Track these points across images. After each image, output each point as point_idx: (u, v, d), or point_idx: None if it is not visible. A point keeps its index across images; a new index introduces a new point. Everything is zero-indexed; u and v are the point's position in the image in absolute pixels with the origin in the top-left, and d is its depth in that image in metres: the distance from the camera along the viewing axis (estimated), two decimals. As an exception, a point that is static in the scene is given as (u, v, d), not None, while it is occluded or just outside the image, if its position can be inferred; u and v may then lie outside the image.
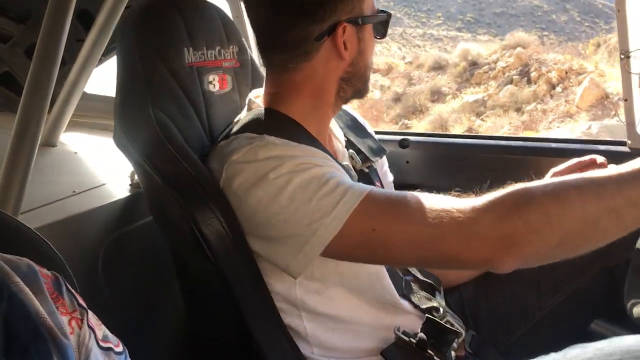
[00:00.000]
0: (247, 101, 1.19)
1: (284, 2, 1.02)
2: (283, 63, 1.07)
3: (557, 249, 0.84)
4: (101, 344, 0.63)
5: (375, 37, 1.11)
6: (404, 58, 19.33)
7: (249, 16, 1.12)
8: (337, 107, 1.15)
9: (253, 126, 1.06)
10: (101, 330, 0.65)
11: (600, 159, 1.14)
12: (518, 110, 12.47)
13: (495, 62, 14.61)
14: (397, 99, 14.97)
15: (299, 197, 0.92)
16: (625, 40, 1.42)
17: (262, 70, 1.44)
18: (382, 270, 1.15)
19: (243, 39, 1.38)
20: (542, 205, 0.82)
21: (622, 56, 1.43)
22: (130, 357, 0.69)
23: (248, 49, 1.40)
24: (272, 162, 0.95)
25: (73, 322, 0.60)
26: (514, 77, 13.59)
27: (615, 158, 1.06)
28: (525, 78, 13.34)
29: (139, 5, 1.21)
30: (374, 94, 14.58)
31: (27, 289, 0.56)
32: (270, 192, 0.93)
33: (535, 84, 13.02)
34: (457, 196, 0.93)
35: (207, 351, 1.25)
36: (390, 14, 1.11)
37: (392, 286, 1.16)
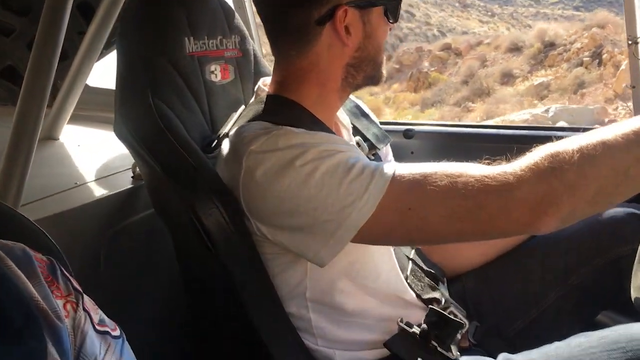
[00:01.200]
0: (255, 89, 1.18)
1: None
2: (287, 50, 1.05)
3: (594, 202, 0.86)
4: (97, 327, 0.63)
5: (388, 21, 1.07)
6: (481, 40, 18.94)
7: (255, 4, 1.10)
8: (346, 94, 1.12)
9: (264, 114, 1.04)
10: (97, 314, 0.64)
11: None
12: (575, 93, 12.18)
13: (572, 43, 14.15)
14: (466, 81, 14.77)
15: (329, 183, 0.91)
16: (634, 26, 1.40)
17: (265, 60, 1.44)
18: (390, 260, 1.15)
19: (245, 29, 1.37)
20: (574, 162, 0.82)
21: (630, 42, 1.41)
22: (132, 347, 0.68)
23: (250, 39, 1.38)
24: (296, 150, 0.93)
25: (68, 306, 0.60)
26: (584, 59, 13.16)
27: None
28: (597, 60, 12.84)
29: (139, -5, 1.20)
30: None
31: (20, 273, 0.56)
32: (298, 180, 0.91)
33: (604, 66, 12.66)
34: (487, 164, 0.91)
35: (210, 342, 1.24)
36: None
37: (400, 276, 1.16)
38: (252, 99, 1.16)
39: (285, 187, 0.92)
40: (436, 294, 1.21)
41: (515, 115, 11.19)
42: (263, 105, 1.08)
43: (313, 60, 1.04)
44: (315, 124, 1.04)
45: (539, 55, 14.74)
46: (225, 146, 1.06)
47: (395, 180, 0.90)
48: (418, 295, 1.18)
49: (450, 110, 12.58)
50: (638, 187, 0.86)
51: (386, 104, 13.90)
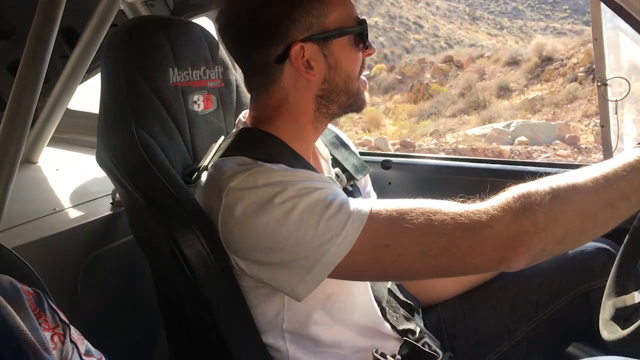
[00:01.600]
0: (237, 120, 1.19)
1: (236, 31, 1.04)
2: (256, 87, 1.08)
3: (562, 243, 0.89)
4: (84, 358, 0.63)
5: (360, 48, 1.07)
6: (482, 53, 19.14)
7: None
8: (322, 125, 1.13)
9: (244, 148, 1.05)
10: (84, 344, 0.65)
11: None
12: (561, 108, 12.30)
13: (569, 58, 14.29)
14: (463, 93, 14.92)
15: (307, 221, 0.92)
16: (603, 69, 1.46)
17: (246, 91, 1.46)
18: (367, 292, 1.17)
19: (228, 60, 1.39)
20: (545, 204, 0.86)
21: (600, 83, 1.46)
22: None
23: (233, 70, 1.40)
24: (275, 188, 0.94)
25: (55, 338, 0.61)
26: (579, 74, 13.26)
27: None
28: (591, 75, 12.82)
29: (125, 25, 1.21)
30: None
31: (8, 306, 0.56)
32: (277, 217, 0.92)
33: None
34: (462, 202, 0.93)
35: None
36: (365, 24, 1.06)
37: (375, 308, 1.18)
38: (233, 130, 1.17)
39: (264, 225, 0.93)
40: (411, 325, 1.22)
41: (479, 129, 11.30)
42: (242, 138, 1.09)
43: (281, 96, 1.06)
44: (295, 159, 1.06)
45: (536, 70, 14.97)
46: (205, 179, 1.07)
47: (372, 217, 0.92)
48: (393, 327, 1.19)
49: (445, 122, 12.67)
50: (606, 229, 0.90)
51: (386, 115, 13.91)
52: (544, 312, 1.30)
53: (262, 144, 1.06)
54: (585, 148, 9.93)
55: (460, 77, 16.32)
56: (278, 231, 0.92)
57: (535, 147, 9.93)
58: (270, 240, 0.94)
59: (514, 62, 16.09)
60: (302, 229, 0.92)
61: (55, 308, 0.63)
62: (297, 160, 1.06)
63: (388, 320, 1.20)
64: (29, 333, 0.56)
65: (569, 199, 0.87)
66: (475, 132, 11.26)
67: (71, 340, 0.63)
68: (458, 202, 0.94)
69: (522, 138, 10.36)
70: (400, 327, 1.20)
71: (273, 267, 0.97)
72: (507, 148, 9.88)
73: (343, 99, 1.08)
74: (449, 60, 18.56)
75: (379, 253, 0.92)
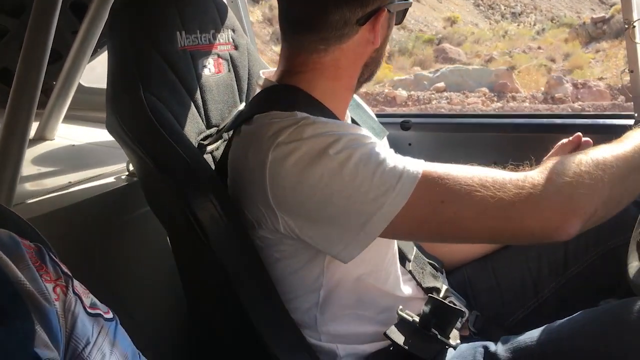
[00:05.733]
0: (257, 80, 1.15)
1: None
2: (314, 44, 1.03)
3: (609, 204, 0.92)
4: (89, 310, 0.63)
5: (396, 24, 1.09)
6: None
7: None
8: (354, 91, 1.13)
9: (281, 104, 1.01)
10: (89, 297, 0.64)
11: (585, 138, 1.17)
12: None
13: None
14: None
15: (362, 172, 0.89)
16: (629, 9, 1.38)
17: (258, 54, 1.43)
18: (396, 252, 1.15)
19: (238, 24, 1.35)
20: (590, 168, 0.90)
21: (627, 25, 1.39)
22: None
23: (244, 34, 1.37)
24: (327, 138, 0.91)
25: (58, 289, 0.60)
26: None
27: (624, 131, 1.03)
28: None
29: (129, -10, 1.18)
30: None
31: (5, 257, 0.56)
32: (331, 168, 0.90)
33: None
34: (512, 170, 0.94)
35: (209, 337, 1.23)
36: (411, 2, 1.08)
37: (400, 268, 1.16)
38: (257, 90, 1.13)
39: (318, 176, 0.90)
40: (437, 283, 1.21)
41: (406, 76, 11.19)
42: (276, 94, 1.06)
43: (337, 56, 1.03)
44: (331, 117, 1.03)
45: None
46: (241, 138, 1.04)
47: (426, 172, 0.90)
48: (419, 284, 1.18)
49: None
50: (637, 192, 0.97)
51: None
52: (572, 269, 1.27)
53: (300, 99, 1.03)
54: (511, 96, 9.78)
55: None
56: (333, 183, 0.90)
57: (445, 94, 9.86)
58: (324, 192, 0.90)
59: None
60: (357, 180, 0.89)
61: (58, 261, 0.63)
62: (334, 118, 1.03)
63: (414, 277, 1.18)
64: (27, 283, 0.56)
65: (607, 164, 0.91)
66: (400, 78, 11.08)
67: (74, 292, 0.62)
68: (509, 170, 0.94)
69: (440, 84, 10.20)
70: (426, 285, 1.19)
71: (325, 224, 0.93)
72: (404, 93, 9.85)
73: (375, 69, 1.10)
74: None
75: (435, 210, 0.90)
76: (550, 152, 1.19)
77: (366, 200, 0.89)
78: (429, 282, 1.20)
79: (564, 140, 1.18)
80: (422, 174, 0.89)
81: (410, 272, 1.19)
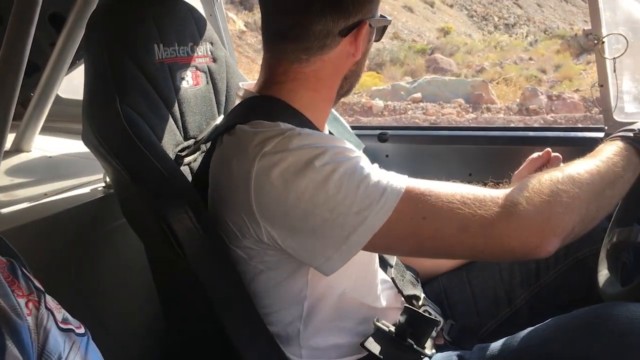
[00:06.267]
0: (239, 92, 1.15)
1: None
2: (296, 53, 1.03)
3: (585, 221, 0.93)
4: (61, 325, 0.63)
5: (375, 41, 1.11)
6: None
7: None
8: (333, 104, 1.13)
9: (263, 114, 1.01)
10: (61, 312, 0.64)
11: (554, 154, 1.20)
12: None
13: None
14: None
15: (347, 185, 0.89)
16: (599, 26, 1.42)
17: (246, 68, 1.43)
18: (377, 264, 1.16)
19: (217, 36, 1.36)
20: (566, 186, 0.91)
21: (596, 41, 1.42)
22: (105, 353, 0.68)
23: (222, 46, 1.38)
24: (314, 150, 0.92)
25: (30, 304, 0.60)
26: None
27: (594, 144, 1.06)
28: None
29: (106, 2, 1.19)
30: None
31: None
32: (317, 180, 0.90)
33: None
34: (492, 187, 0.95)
35: (187, 352, 1.22)
36: (390, 20, 1.11)
37: (381, 275, 1.18)
38: (237, 102, 1.13)
39: (303, 188, 0.90)
40: (416, 291, 1.22)
41: (384, 86, 11.38)
42: (258, 105, 1.06)
43: (318, 67, 1.04)
44: (313, 129, 1.04)
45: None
46: (224, 149, 1.04)
47: (409, 188, 0.91)
48: (400, 291, 1.20)
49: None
50: (611, 207, 1.00)
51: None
52: (544, 279, 1.30)
53: (282, 110, 1.03)
54: (486, 107, 9.94)
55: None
56: (317, 194, 0.90)
57: (421, 104, 10.01)
58: (308, 204, 0.90)
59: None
60: (341, 193, 0.89)
61: (30, 276, 0.63)
62: (315, 129, 1.04)
63: (396, 284, 1.20)
64: None
65: (583, 181, 0.92)
66: (378, 88, 11.24)
67: (46, 307, 0.62)
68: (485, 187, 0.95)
69: (417, 95, 10.36)
70: (407, 293, 1.20)
71: (307, 236, 0.93)
72: (381, 103, 9.95)
73: (354, 83, 1.12)
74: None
75: (417, 225, 0.90)
76: (521, 167, 1.21)
77: (349, 213, 0.89)
78: (409, 290, 1.21)
79: (534, 155, 1.20)
80: (405, 190, 0.90)
81: (392, 279, 1.20)
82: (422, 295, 1.22)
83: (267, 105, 1.05)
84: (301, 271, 1.03)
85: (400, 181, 0.92)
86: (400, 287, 1.20)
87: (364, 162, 0.94)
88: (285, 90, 1.06)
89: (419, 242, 0.92)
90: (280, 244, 0.96)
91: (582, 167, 0.95)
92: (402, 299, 1.21)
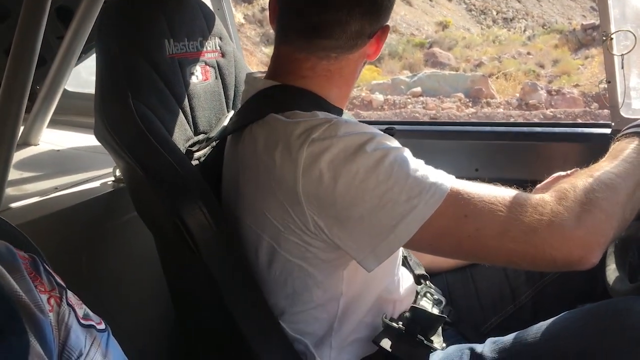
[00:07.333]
0: (256, 83, 1.12)
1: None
2: (329, 50, 1.04)
3: (620, 226, 0.91)
4: (82, 321, 0.63)
5: None
6: None
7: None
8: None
9: (302, 105, 1.01)
10: (82, 308, 0.65)
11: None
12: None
13: None
14: None
15: (397, 172, 0.89)
16: (607, 22, 1.42)
17: (245, 61, 1.44)
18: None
19: (225, 31, 1.37)
20: (603, 193, 0.89)
21: (604, 37, 1.43)
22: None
23: (230, 41, 1.38)
24: (363, 136, 0.91)
25: (52, 300, 0.61)
26: None
27: (601, 140, 1.06)
28: None
29: (116, -3, 1.19)
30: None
31: (2, 269, 0.56)
32: (367, 165, 0.89)
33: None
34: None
35: (199, 347, 1.24)
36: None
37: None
38: (250, 92, 1.11)
39: (353, 173, 0.89)
40: (422, 270, 1.27)
41: (384, 80, 11.39)
42: (289, 96, 1.05)
43: (342, 65, 1.06)
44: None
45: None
46: (261, 137, 1.00)
47: (454, 185, 0.90)
48: (412, 271, 1.23)
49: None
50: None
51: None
52: (549, 276, 1.31)
53: (318, 101, 1.05)
54: (486, 102, 9.91)
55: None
56: (367, 180, 0.89)
57: (421, 99, 9.98)
58: (357, 190, 0.89)
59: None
60: (391, 180, 0.88)
61: (52, 272, 0.63)
62: None
63: (408, 263, 1.24)
64: (23, 294, 0.56)
65: (616, 185, 0.90)
66: (378, 82, 11.24)
67: (68, 304, 0.62)
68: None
69: (417, 89, 10.37)
70: (417, 272, 1.25)
71: (356, 224, 0.91)
72: (380, 97, 9.94)
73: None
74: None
75: (458, 222, 0.89)
76: (544, 182, 1.19)
77: (399, 200, 0.88)
78: (418, 270, 1.25)
79: (561, 173, 1.18)
80: (451, 187, 0.89)
81: (405, 258, 1.23)
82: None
83: (300, 96, 1.05)
84: (338, 269, 1.03)
85: (446, 177, 0.91)
86: (412, 267, 1.23)
87: (411, 155, 0.94)
88: (314, 84, 1.06)
89: (458, 240, 0.90)
90: (327, 233, 0.94)
91: (612, 171, 0.93)
92: (413, 281, 1.22)
